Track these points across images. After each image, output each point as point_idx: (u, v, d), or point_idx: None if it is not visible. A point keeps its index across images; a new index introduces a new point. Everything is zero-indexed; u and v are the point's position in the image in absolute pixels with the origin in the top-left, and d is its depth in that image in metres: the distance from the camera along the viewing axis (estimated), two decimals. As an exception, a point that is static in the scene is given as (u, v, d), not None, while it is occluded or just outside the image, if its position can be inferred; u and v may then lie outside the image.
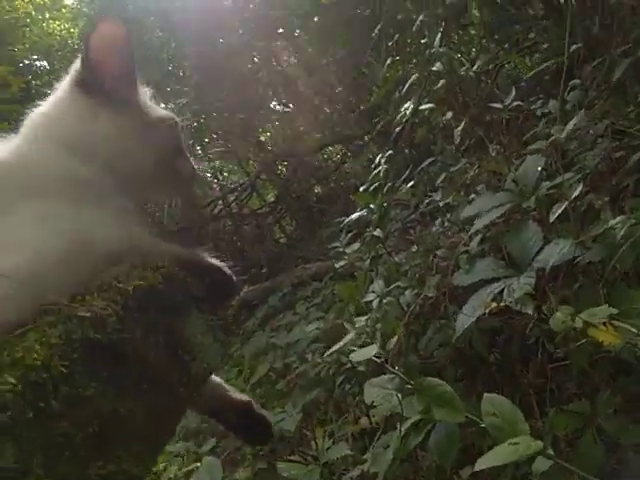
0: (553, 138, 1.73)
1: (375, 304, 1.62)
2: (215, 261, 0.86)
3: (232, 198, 6.15)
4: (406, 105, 2.23)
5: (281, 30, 7.17)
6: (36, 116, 0.94)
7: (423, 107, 1.94)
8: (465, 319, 1.34)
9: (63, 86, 0.96)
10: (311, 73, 6.83)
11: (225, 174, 7.51)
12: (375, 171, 2.01)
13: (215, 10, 6.17)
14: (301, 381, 2.18)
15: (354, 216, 2.02)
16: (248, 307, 4.30)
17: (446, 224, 2.24)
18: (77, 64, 0.95)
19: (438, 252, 1.68)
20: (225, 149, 6.50)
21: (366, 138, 6.01)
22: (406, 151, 2.60)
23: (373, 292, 1.72)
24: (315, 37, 6.44)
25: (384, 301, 1.63)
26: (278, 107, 8.20)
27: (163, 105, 1.19)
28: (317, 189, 6.23)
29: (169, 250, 0.79)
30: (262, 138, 7.04)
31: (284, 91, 7.64)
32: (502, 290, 1.34)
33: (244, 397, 1.05)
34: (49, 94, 1.00)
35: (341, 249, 2.63)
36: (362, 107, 4.90)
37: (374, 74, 4.31)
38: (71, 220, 0.75)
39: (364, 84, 5.05)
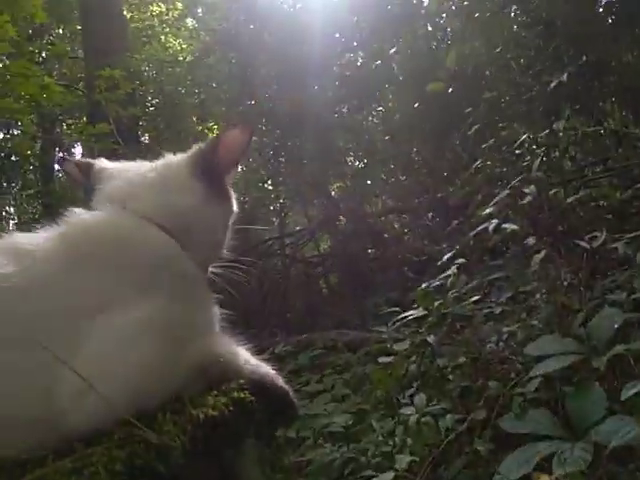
0: (635, 296, 1.65)
1: (412, 420, 1.55)
2: (282, 381, 0.88)
3: (289, 241, 6.23)
4: (489, 214, 2.20)
5: (377, 93, 7.40)
6: (146, 188, 0.98)
7: (507, 226, 1.90)
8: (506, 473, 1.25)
9: (177, 166, 1.01)
10: (392, 139, 6.94)
11: (290, 214, 7.63)
12: (444, 274, 1.97)
13: (322, 64, 6.42)
14: (310, 467, 2.10)
15: (411, 314, 1.97)
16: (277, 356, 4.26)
17: (501, 343, 2.16)
18: (197, 149, 1.02)
19: (490, 383, 1.60)
20: (294, 193, 6.65)
21: (430, 215, 6.01)
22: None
23: (412, 403, 1.64)
24: (405, 107, 6.57)
25: (422, 419, 1.56)
26: (356, 163, 8.36)
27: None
28: (372, 253, 6.21)
29: (244, 368, 0.81)
30: (332, 191, 7.15)
31: (363, 149, 7.78)
32: (552, 454, 1.25)
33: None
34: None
35: (385, 335, 2.57)
36: (435, 188, 4.89)
37: (456, 161, 4.32)
38: (172, 327, 0.78)
39: (443, 166, 5.07)
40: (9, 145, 5.93)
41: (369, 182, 7.61)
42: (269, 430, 0.76)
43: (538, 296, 2.36)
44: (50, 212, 6.07)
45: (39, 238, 0.87)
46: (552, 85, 2.50)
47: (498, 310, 2.43)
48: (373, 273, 5.81)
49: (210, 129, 8.87)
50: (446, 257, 2.24)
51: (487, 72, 3.32)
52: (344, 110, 7.68)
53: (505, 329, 1.89)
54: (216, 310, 0.96)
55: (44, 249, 0.84)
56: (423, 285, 2.20)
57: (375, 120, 7.70)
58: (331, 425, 2.24)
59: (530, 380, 1.52)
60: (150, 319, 0.78)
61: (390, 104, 7.30)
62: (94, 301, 0.79)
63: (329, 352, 3.94)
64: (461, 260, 1.99)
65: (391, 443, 1.82)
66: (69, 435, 0.68)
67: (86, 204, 1.03)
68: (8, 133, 6.78)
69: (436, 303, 1.86)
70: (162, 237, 0.90)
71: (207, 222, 0.99)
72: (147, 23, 8.31)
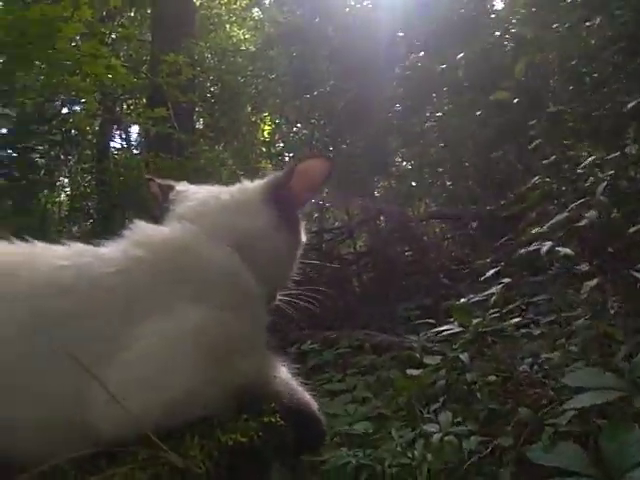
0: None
1: (435, 438, 1.51)
2: (316, 408, 0.88)
3: (326, 237, 6.22)
4: (541, 233, 2.11)
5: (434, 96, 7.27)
6: (216, 209, 1.00)
7: (560, 250, 1.82)
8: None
9: (251, 191, 1.03)
10: (445, 143, 6.81)
11: (330, 209, 7.62)
12: (487, 292, 1.91)
13: (384, 63, 6.36)
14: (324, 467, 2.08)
15: (446, 328, 1.91)
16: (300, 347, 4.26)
17: (535, 366, 2.07)
18: (272, 177, 1.04)
19: (520, 409, 1.53)
20: (337, 189, 6.63)
21: (473, 224, 5.86)
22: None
23: (435, 419, 1.60)
24: (463, 114, 6.41)
25: (446, 438, 1.51)
26: (403, 164, 8.26)
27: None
28: (409, 256, 6.11)
29: (282, 394, 0.81)
30: (376, 191, 7.09)
31: (413, 151, 7.67)
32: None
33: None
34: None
35: (415, 344, 2.52)
36: (484, 198, 4.75)
37: (510, 174, 4.19)
38: (219, 341, 0.78)
39: (495, 176, 4.93)
40: (71, 120, 6.16)
41: (414, 184, 7.51)
42: (295, 455, 0.75)
43: (580, 322, 2.26)
44: (102, 189, 6.27)
45: (107, 247, 0.93)
46: (630, 106, 2.37)
47: (537, 332, 2.34)
48: (408, 277, 5.72)
49: (263, 120, 8.96)
50: (490, 272, 2.17)
51: (556, 85, 3.19)
52: (397, 109, 7.61)
53: (543, 355, 1.80)
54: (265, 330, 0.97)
55: (109, 257, 0.89)
56: (462, 300, 2.14)
57: (428, 123, 7.57)
58: (350, 430, 2.21)
59: (564, 412, 1.45)
60: (197, 328, 0.77)
61: (446, 108, 7.17)
62: (143, 306, 0.79)
63: (355, 352, 3.90)
64: (507, 280, 1.92)
65: (410, 455, 1.77)
66: (97, 442, 0.68)
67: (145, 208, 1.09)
68: (71, 109, 7.05)
69: (474, 320, 1.80)
70: (224, 252, 0.92)
71: (273, 247, 1.01)
72: (215, 11, 8.44)
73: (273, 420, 0.70)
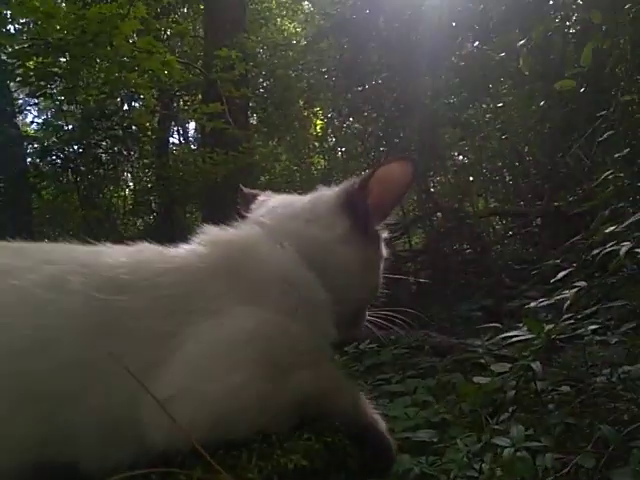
0: None
1: (506, 453, 1.42)
2: (386, 431, 0.80)
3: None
4: (616, 233, 1.96)
5: (490, 86, 7.00)
6: (288, 216, 0.98)
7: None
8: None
9: (326, 199, 0.98)
10: (505, 135, 6.55)
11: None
12: (559, 296, 1.78)
13: (437, 54, 6.17)
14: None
15: (514, 334, 1.80)
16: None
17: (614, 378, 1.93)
18: (348, 184, 0.98)
19: (602, 427, 1.42)
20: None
21: (537, 221, 5.60)
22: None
23: (508, 437, 1.50)
24: (524, 102, 6.14)
25: (517, 454, 1.42)
26: (459, 158, 8.01)
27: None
28: (468, 254, 5.93)
29: (348, 413, 0.75)
30: (431, 187, 6.91)
31: (470, 145, 7.43)
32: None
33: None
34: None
35: (480, 348, 2.41)
36: (550, 194, 4.51)
37: (577, 168, 3.95)
38: (280, 346, 0.74)
39: (561, 171, 4.67)
40: (130, 116, 6.36)
41: (472, 179, 7.28)
42: (360, 479, 0.69)
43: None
44: (163, 184, 6.43)
45: (177, 250, 0.91)
46: None
47: (614, 340, 2.19)
48: (467, 276, 5.55)
49: (316, 115, 8.94)
50: (561, 274, 2.04)
51: (627, 73, 2.96)
52: (452, 101, 7.38)
53: (626, 367, 1.67)
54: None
55: (171, 254, 0.88)
56: (531, 304, 2.02)
57: (487, 116, 7.30)
58: (414, 436, 2.14)
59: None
60: (254, 332, 0.73)
61: (505, 99, 6.89)
62: (201, 305, 0.77)
63: (414, 353, 3.81)
64: (582, 283, 1.78)
65: (476, 467, 1.69)
66: (149, 451, 0.65)
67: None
68: (130, 105, 7.27)
69: (546, 326, 1.68)
70: (285, 254, 0.88)
71: (343, 261, 0.95)
72: (265, 5, 8.47)
73: (337, 440, 0.64)
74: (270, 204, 1.05)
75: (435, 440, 1.96)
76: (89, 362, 0.69)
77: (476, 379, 1.81)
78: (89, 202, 6.79)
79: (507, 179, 7.24)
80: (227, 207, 5.91)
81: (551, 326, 1.73)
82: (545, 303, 1.94)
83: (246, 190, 1.17)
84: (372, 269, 1.01)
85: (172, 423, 0.62)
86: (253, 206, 1.08)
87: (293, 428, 0.65)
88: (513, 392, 1.74)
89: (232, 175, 5.46)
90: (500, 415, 1.86)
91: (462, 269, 5.56)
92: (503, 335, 1.87)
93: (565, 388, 1.94)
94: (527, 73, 3.04)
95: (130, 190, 8.39)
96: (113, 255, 0.84)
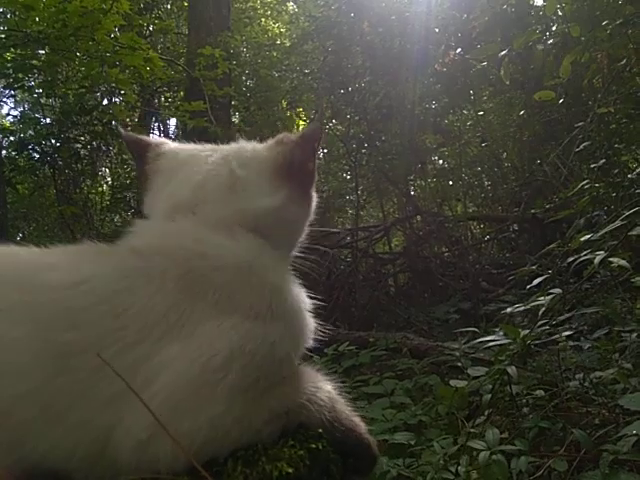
0: None
1: (482, 457, 1.45)
2: (365, 431, 0.79)
3: (362, 234, 6.17)
4: (591, 241, 2.02)
5: (471, 92, 7.12)
6: (220, 191, 0.87)
7: (615, 261, 1.72)
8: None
9: (264, 161, 0.92)
10: (485, 143, 6.66)
11: (366, 207, 7.55)
12: (535, 303, 1.82)
13: (420, 60, 6.24)
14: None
15: (491, 339, 1.84)
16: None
17: (586, 382, 1.99)
18: (283, 145, 0.93)
19: (575, 430, 1.46)
20: (373, 187, 6.56)
21: (514, 227, 5.71)
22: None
23: (483, 440, 1.54)
24: (504, 113, 6.26)
25: (493, 457, 1.45)
26: (440, 162, 8.12)
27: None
28: (446, 258, 6.01)
29: (326, 419, 0.72)
30: (412, 191, 6.98)
31: (450, 150, 7.54)
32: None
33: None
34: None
35: (457, 352, 2.45)
36: (527, 201, 4.60)
37: (554, 177, 4.04)
38: (257, 358, 0.69)
39: (538, 179, 4.77)
40: (110, 112, 6.27)
41: (451, 183, 7.38)
42: (342, 481, 0.70)
43: (634, 336, 2.16)
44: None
45: (107, 252, 0.80)
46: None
47: (587, 345, 2.25)
48: (445, 279, 5.63)
49: (299, 115, 8.94)
50: (537, 281, 2.09)
51: (604, 86, 3.04)
52: (434, 106, 7.48)
53: (598, 373, 1.72)
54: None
55: (112, 263, 0.76)
56: (508, 309, 2.06)
57: (468, 123, 7.42)
58: (392, 439, 2.16)
59: (622, 437, 1.37)
60: (230, 349, 0.67)
61: (485, 106, 7.01)
62: (166, 322, 0.69)
63: (392, 355, 3.85)
64: (557, 290, 1.83)
65: (452, 470, 1.72)
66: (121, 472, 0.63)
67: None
68: (110, 101, 7.17)
69: (522, 332, 1.73)
70: (247, 244, 0.80)
71: (296, 228, 0.93)
72: (250, 4, 8.43)
73: (320, 447, 0.65)
74: (178, 167, 0.90)
75: (412, 443, 1.98)
76: (48, 398, 0.64)
77: (453, 382, 1.84)
78: (66, 197, 6.67)
79: (486, 184, 7.37)
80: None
81: (527, 332, 1.77)
82: (522, 308, 1.98)
83: (132, 136, 0.99)
84: (305, 225, 0.97)
85: (156, 455, 0.61)
86: (150, 160, 0.93)
87: (276, 438, 0.66)
88: (489, 396, 1.78)
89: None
90: (476, 418, 1.90)
91: (440, 272, 5.63)
92: (480, 340, 1.90)
93: (539, 392, 1.99)
94: (507, 82, 3.10)
95: (108, 186, 8.27)
96: (56, 268, 0.73)
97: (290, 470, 0.57)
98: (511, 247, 5.30)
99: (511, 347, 1.85)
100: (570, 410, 1.80)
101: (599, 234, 1.83)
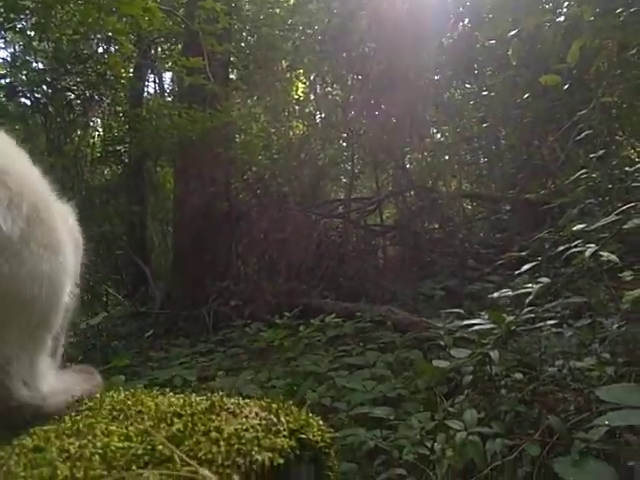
0: None
1: (459, 437, 1.49)
2: None
3: (355, 205, 6.15)
4: (584, 232, 2.03)
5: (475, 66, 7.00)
6: None
7: (605, 255, 1.74)
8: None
9: None
10: (486, 122, 6.60)
11: (361, 177, 7.48)
12: (523, 290, 1.84)
13: (428, 30, 6.09)
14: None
15: (475, 322, 1.86)
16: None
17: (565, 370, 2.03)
18: None
19: (550, 417, 1.50)
20: (369, 158, 6.50)
21: (507, 207, 5.72)
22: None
23: (461, 419, 1.57)
24: (508, 93, 6.17)
25: (469, 438, 1.49)
26: (438, 136, 8.03)
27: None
28: (437, 234, 6.03)
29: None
30: (407, 163, 6.92)
31: (450, 125, 7.45)
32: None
33: None
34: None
35: (442, 332, 2.49)
36: (523, 184, 4.60)
37: (552, 162, 4.02)
38: None
39: (536, 162, 4.75)
40: (105, 61, 6.09)
41: (447, 158, 7.33)
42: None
43: (615, 327, 2.20)
44: (134, 135, 6.23)
45: None
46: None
47: (569, 333, 2.29)
48: (434, 255, 5.66)
49: (298, 78, 8.74)
50: (526, 267, 2.11)
51: (611, 73, 3.00)
52: (437, 78, 7.35)
53: (574, 362, 1.76)
54: None
55: None
56: (495, 294, 2.08)
57: (470, 102, 7.32)
58: (371, 412, 2.21)
59: (595, 427, 1.41)
60: None
61: (488, 82, 6.90)
62: None
63: (376, 327, 3.90)
64: (545, 280, 1.85)
65: (428, 445, 1.77)
66: None
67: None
68: (106, 50, 6.95)
69: (507, 318, 1.75)
70: None
71: None
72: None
73: (310, 436, 0.66)
74: None
75: (391, 418, 2.03)
76: None
77: (435, 362, 1.86)
78: (56, 147, 6.53)
79: (482, 162, 7.33)
80: (201, 166, 5.79)
81: (512, 318, 1.80)
82: (509, 294, 2.00)
83: None
84: None
85: None
86: None
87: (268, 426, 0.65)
88: (470, 377, 1.82)
89: (208, 133, 5.32)
90: (455, 397, 1.95)
91: (430, 248, 5.66)
92: (465, 323, 1.93)
93: (518, 375, 2.03)
94: (514, 63, 3.04)
95: (100, 137, 8.10)
96: None
97: (281, 461, 0.57)
98: (502, 228, 5.32)
99: (495, 332, 1.88)
100: (547, 395, 1.84)
101: (593, 227, 1.84)
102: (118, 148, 7.27)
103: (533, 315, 1.83)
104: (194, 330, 4.63)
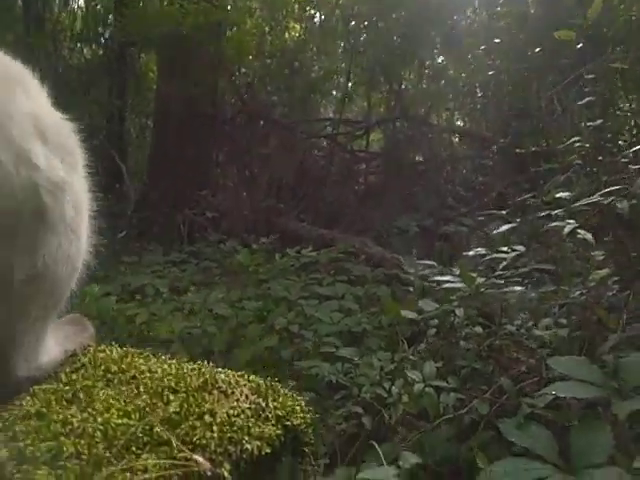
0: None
1: (417, 388, 1.61)
2: None
3: (343, 129, 6.01)
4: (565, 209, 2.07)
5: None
6: None
7: (582, 234, 1.79)
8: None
9: None
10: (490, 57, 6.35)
11: (353, 97, 7.18)
12: (495, 255, 1.91)
13: None
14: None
15: (446, 279, 1.94)
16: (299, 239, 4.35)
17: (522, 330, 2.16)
18: None
19: (502, 379, 1.62)
20: (365, 78, 6.23)
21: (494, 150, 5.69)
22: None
23: (420, 371, 1.69)
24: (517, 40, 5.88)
25: (426, 389, 1.61)
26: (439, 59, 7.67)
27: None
28: (421, 167, 6.00)
29: None
30: (404, 85, 6.64)
31: (452, 51, 7.12)
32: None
33: None
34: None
35: (412, 277, 2.57)
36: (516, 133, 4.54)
37: (549, 116, 3.96)
38: None
39: (530, 111, 4.66)
40: None
41: (443, 83, 7.07)
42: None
43: (578, 294, 2.32)
44: (119, 19, 5.73)
45: None
46: None
47: (532, 294, 2.40)
48: (415, 189, 5.68)
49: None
50: (504, 228, 2.16)
51: (629, 36, 2.89)
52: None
53: (535, 324, 1.87)
54: None
55: None
56: (470, 253, 2.15)
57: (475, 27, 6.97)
58: (337, 352, 2.32)
59: (543, 395, 1.54)
60: None
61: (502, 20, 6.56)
62: None
63: (348, 257, 3.99)
64: (520, 248, 1.91)
65: (386, 387, 1.89)
66: None
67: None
68: None
69: (477, 279, 1.83)
70: None
71: None
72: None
73: (295, 423, 0.71)
74: None
75: (356, 359, 2.15)
76: None
77: (404, 313, 1.94)
78: (34, 17, 6.02)
79: (478, 98, 7.14)
80: (187, 62, 5.45)
81: (482, 279, 1.87)
82: (486, 257, 2.06)
83: None
84: None
85: None
86: None
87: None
88: (434, 330, 1.92)
89: (200, 28, 4.96)
90: (417, 344, 2.06)
91: (412, 182, 5.67)
92: (436, 279, 2.00)
93: (478, 329, 2.15)
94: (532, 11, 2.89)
95: (82, 11, 7.45)
96: None
97: (269, 450, 0.62)
98: (484, 172, 5.34)
99: (464, 291, 1.96)
100: (502, 352, 1.97)
101: (578, 204, 1.87)
102: (100, 28, 6.74)
103: (502, 281, 1.90)
104: (168, 237, 4.62)
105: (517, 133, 4.25)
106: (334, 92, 7.64)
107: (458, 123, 7.03)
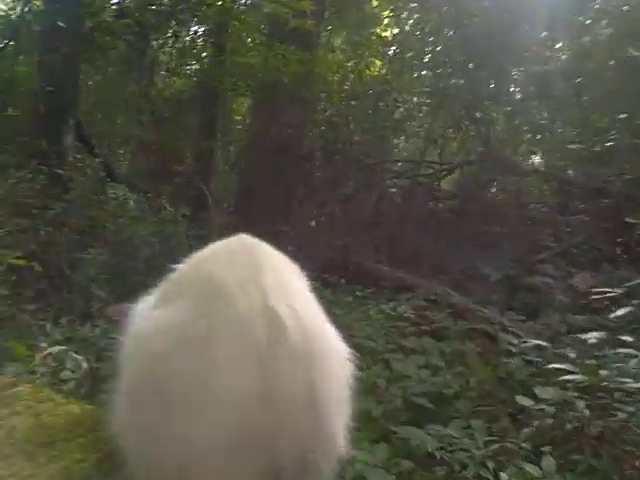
0: None
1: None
2: None
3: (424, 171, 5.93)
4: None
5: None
6: None
7: None
8: None
9: None
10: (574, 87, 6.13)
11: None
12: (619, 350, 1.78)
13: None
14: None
15: (563, 367, 1.83)
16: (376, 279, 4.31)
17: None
18: None
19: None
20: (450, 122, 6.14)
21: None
22: None
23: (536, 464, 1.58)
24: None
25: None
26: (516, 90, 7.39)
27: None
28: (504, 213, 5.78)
29: None
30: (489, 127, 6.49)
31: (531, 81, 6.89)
32: None
33: None
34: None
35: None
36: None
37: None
38: None
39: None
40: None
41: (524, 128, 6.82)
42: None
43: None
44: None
45: None
46: None
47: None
48: (494, 230, 5.44)
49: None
50: (621, 312, 2.02)
51: None
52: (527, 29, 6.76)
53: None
54: None
55: None
56: (588, 336, 2.02)
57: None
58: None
59: None
60: None
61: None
62: None
63: (429, 305, 3.89)
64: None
65: (491, 468, 1.79)
66: None
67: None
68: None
69: (602, 373, 1.71)
70: None
71: None
72: None
73: None
74: None
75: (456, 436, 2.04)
76: None
77: (519, 399, 1.83)
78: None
79: (559, 131, 6.76)
80: (279, 102, 5.56)
81: (606, 373, 1.75)
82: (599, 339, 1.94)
83: None
84: None
85: None
86: None
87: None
88: (551, 420, 1.79)
89: (296, 74, 5.05)
90: (524, 427, 1.94)
91: (492, 224, 5.47)
92: (550, 366, 1.88)
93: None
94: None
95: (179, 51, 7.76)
96: None
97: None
98: (571, 216, 5.01)
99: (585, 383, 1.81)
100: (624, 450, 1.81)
101: None
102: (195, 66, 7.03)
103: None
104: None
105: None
106: (417, 130, 7.55)
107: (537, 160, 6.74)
